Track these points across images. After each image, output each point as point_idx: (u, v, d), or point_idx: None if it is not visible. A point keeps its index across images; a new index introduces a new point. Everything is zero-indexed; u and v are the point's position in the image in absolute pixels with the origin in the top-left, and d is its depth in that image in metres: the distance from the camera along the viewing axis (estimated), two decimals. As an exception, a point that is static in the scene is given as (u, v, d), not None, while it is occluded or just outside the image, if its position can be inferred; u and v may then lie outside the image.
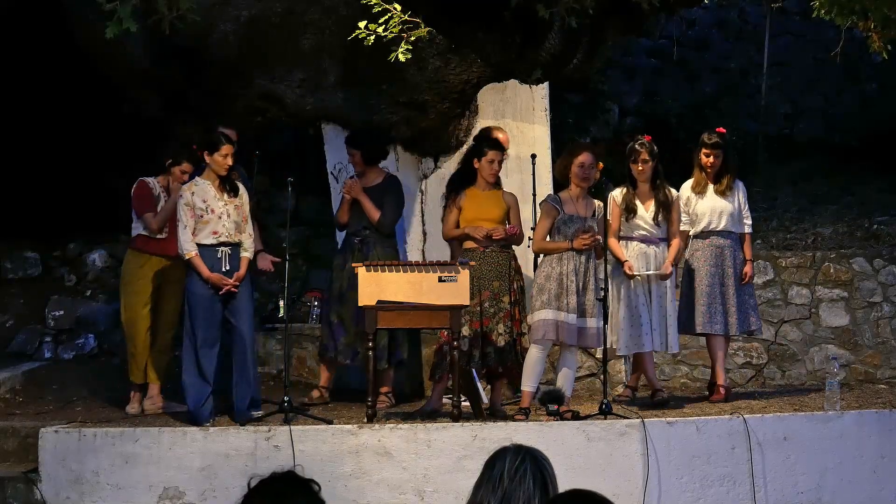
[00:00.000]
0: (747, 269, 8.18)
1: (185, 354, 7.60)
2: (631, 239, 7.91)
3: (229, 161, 7.66)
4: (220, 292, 7.54)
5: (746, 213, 8.30)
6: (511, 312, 7.70)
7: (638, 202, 7.91)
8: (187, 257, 7.54)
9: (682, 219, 8.15)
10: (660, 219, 7.88)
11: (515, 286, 7.78)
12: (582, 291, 7.51)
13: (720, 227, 8.12)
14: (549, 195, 8.08)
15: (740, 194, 8.26)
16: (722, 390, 7.96)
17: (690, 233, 8.21)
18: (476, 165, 7.89)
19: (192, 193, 7.60)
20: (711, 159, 8.16)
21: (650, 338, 7.79)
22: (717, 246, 8.10)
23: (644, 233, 7.90)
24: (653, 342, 7.81)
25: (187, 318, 7.61)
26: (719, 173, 8.20)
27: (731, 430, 7.11)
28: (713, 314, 8.00)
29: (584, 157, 7.68)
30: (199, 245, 7.56)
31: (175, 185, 8.07)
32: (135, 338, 8.04)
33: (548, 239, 7.69)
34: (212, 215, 7.59)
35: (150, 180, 8.16)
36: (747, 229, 8.29)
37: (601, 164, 7.87)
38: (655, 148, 7.98)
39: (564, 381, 7.58)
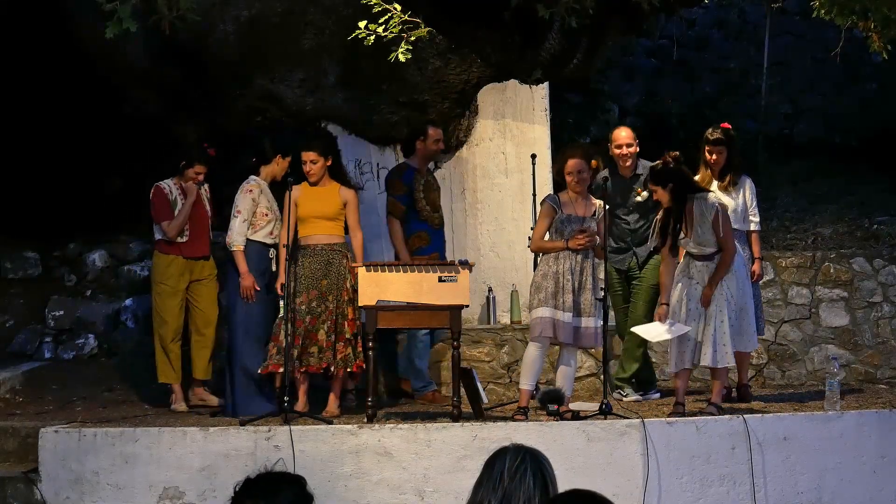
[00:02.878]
0: (755, 267, 8.00)
1: (244, 349, 7.82)
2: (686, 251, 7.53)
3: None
4: (243, 294, 7.82)
5: (754, 210, 8.09)
6: (342, 311, 7.66)
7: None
8: (234, 248, 7.79)
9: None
10: (691, 234, 7.40)
11: (348, 285, 7.71)
12: (579, 291, 7.48)
13: None
14: (548, 195, 8.04)
15: (747, 191, 8.06)
16: (734, 392, 7.86)
17: None
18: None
19: (261, 192, 7.87)
20: (714, 156, 7.98)
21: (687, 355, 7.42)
22: None
23: (691, 249, 7.47)
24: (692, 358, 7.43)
25: (240, 310, 7.86)
26: (724, 170, 8.02)
27: (731, 430, 7.11)
28: None
29: (571, 165, 7.60)
30: (256, 242, 7.87)
31: (189, 186, 8.16)
32: (166, 336, 8.13)
33: (546, 238, 7.67)
34: (272, 216, 7.89)
35: (166, 184, 8.22)
36: (753, 227, 8.10)
37: (595, 163, 7.76)
38: (668, 167, 7.44)
39: (563, 380, 7.57)
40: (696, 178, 7.97)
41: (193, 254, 8.17)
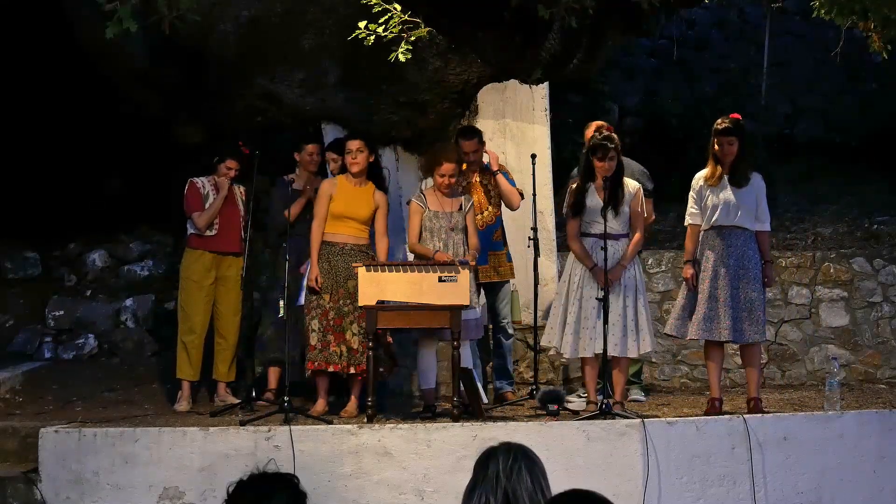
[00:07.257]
0: (767, 271, 7.57)
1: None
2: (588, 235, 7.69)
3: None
4: None
5: (763, 210, 7.60)
6: None
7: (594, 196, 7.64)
8: None
9: (692, 210, 7.65)
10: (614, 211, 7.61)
11: None
12: None
13: (733, 223, 7.50)
14: (414, 195, 8.04)
15: (759, 189, 7.57)
16: (716, 403, 7.55)
17: (702, 227, 7.60)
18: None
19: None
20: (724, 147, 7.52)
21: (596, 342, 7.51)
22: (728, 243, 7.50)
23: (611, 228, 7.56)
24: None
25: None
26: (735, 163, 7.53)
27: (731, 430, 7.11)
28: (713, 318, 7.48)
29: (448, 168, 7.68)
30: None
31: (221, 181, 8.29)
32: (188, 331, 8.21)
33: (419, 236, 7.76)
34: None
35: (200, 180, 8.35)
36: (764, 227, 7.62)
37: (465, 166, 7.80)
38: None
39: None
40: (705, 170, 7.66)
41: (221, 248, 8.25)
